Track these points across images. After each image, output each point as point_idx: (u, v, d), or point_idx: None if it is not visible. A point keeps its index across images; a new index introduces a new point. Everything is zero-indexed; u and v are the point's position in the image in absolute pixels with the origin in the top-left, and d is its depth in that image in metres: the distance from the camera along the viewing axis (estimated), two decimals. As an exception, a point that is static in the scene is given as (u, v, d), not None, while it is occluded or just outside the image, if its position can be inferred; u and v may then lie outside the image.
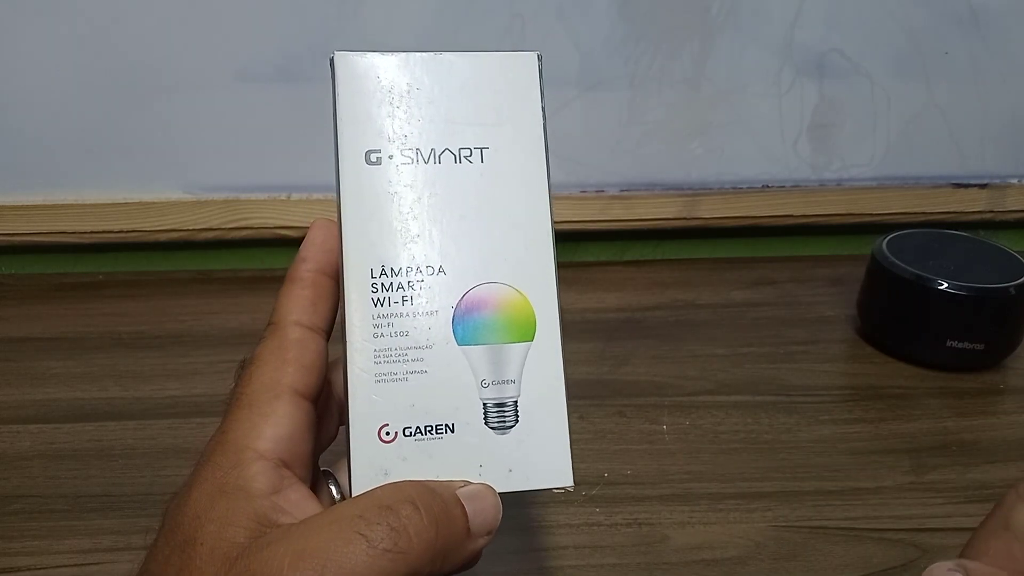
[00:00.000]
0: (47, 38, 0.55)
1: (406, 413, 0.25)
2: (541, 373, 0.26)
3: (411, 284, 0.26)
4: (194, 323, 0.54)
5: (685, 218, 0.63)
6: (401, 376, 0.25)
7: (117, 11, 0.55)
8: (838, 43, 0.60)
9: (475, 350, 0.26)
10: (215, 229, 0.60)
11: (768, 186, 0.63)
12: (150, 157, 0.59)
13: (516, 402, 0.26)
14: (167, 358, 0.50)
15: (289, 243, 0.61)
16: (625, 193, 0.62)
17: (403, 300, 0.26)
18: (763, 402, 0.47)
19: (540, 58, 0.28)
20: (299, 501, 0.24)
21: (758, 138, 0.62)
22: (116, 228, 0.59)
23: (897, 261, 0.51)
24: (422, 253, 0.26)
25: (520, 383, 0.26)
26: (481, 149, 0.27)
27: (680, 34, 0.59)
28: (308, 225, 0.26)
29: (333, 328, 0.28)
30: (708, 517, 0.39)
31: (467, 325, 0.26)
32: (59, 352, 0.51)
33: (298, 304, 0.27)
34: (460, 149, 0.27)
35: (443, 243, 0.26)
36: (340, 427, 0.29)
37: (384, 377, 0.25)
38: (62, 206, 0.59)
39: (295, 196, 0.60)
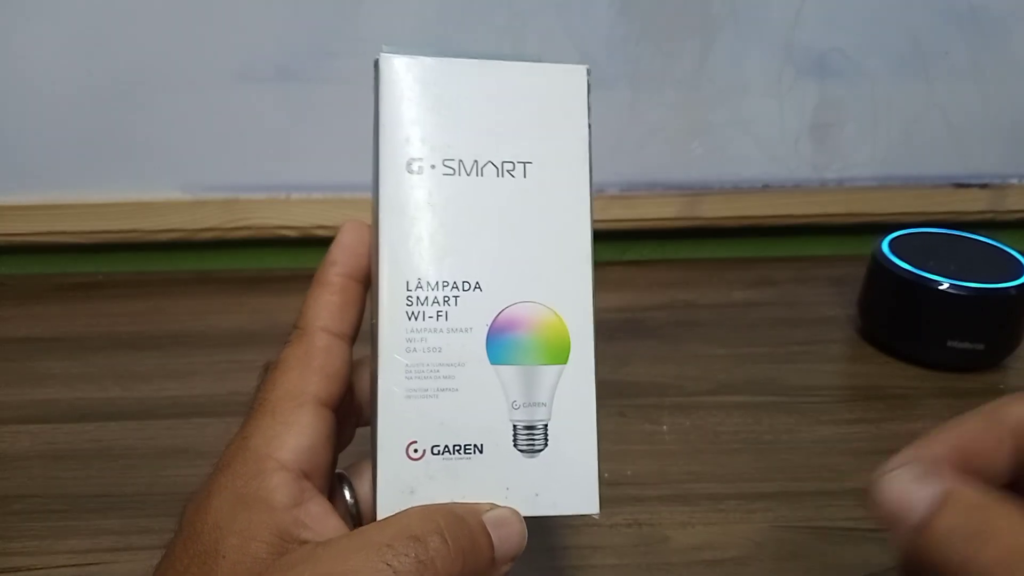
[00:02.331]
0: (47, 38, 0.55)
1: (435, 431, 0.25)
2: (573, 397, 0.26)
3: (447, 299, 0.25)
4: (194, 323, 0.54)
5: (686, 218, 0.63)
6: (432, 393, 0.25)
7: (117, 11, 0.55)
8: (838, 43, 0.60)
9: (507, 370, 0.26)
10: (215, 229, 0.60)
11: (769, 186, 0.63)
12: (150, 157, 0.59)
13: (546, 425, 0.26)
14: (167, 358, 0.50)
15: (289, 243, 0.61)
16: (626, 193, 0.62)
17: (437, 315, 0.25)
18: (764, 402, 0.47)
19: (589, 72, 0.27)
20: (320, 515, 0.24)
21: (759, 138, 0.62)
22: (116, 228, 0.59)
23: (898, 261, 0.51)
24: (459, 268, 0.25)
25: (551, 406, 0.26)
26: (524, 163, 0.26)
27: (680, 34, 0.59)
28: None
29: (358, 334, 0.27)
30: (708, 517, 0.39)
31: (500, 344, 0.26)
32: (59, 352, 0.51)
33: (326, 309, 0.27)
34: (503, 162, 0.26)
35: (481, 259, 0.26)
36: (356, 429, 0.29)
37: (414, 393, 0.25)
38: (62, 206, 0.59)
39: (295, 196, 0.60)
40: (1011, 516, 0.20)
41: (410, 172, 0.25)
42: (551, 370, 0.26)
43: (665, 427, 0.45)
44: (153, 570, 0.24)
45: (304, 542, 0.23)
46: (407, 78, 0.26)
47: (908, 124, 0.63)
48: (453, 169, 0.26)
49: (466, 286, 0.25)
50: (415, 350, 0.25)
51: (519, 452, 0.26)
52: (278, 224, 0.60)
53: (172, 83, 0.57)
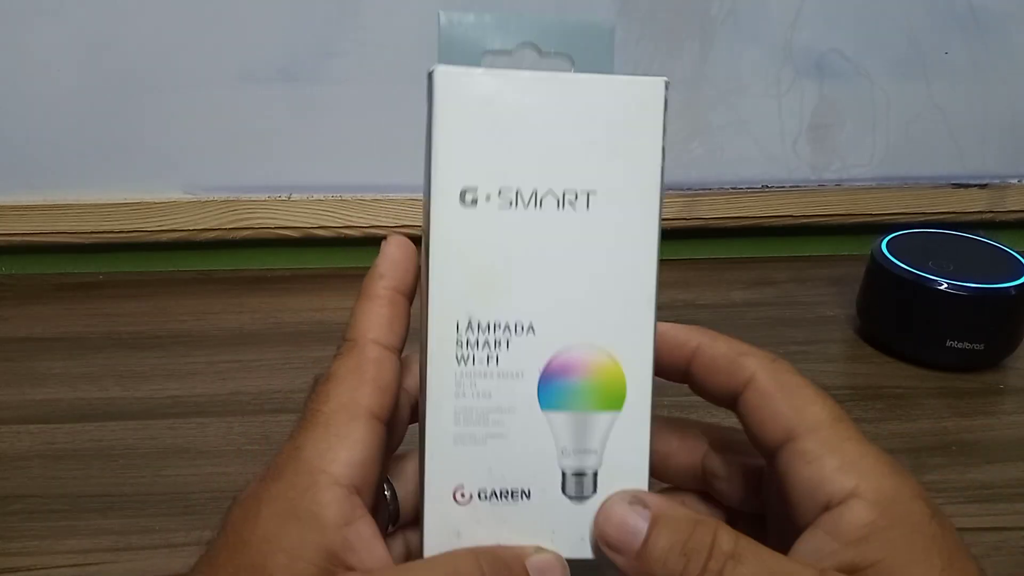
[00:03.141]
0: (48, 38, 0.55)
1: (483, 476, 0.24)
2: (625, 445, 0.25)
3: (498, 343, 0.24)
4: (194, 323, 0.54)
5: (685, 218, 0.63)
6: (480, 439, 0.24)
7: (119, 11, 0.55)
8: (838, 43, 0.60)
9: (558, 416, 0.24)
10: (215, 229, 0.60)
11: (768, 186, 0.63)
12: (150, 157, 0.59)
13: (596, 473, 0.25)
14: (167, 358, 0.50)
15: (289, 243, 0.61)
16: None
17: (488, 359, 0.24)
18: (763, 402, 0.47)
19: (668, 86, 0.24)
20: (369, 539, 0.24)
21: (758, 138, 0.62)
22: (116, 228, 0.59)
23: (897, 261, 0.51)
24: (513, 309, 0.24)
25: (602, 454, 0.25)
26: (588, 193, 0.24)
27: (680, 34, 0.59)
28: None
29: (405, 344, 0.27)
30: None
31: (553, 390, 0.24)
32: (59, 352, 0.51)
33: (376, 322, 0.26)
34: (565, 192, 0.24)
35: (535, 299, 0.24)
36: (408, 427, 0.29)
37: (463, 438, 0.24)
38: (62, 206, 0.59)
39: (295, 196, 0.60)
40: (714, 527, 0.23)
41: (463, 203, 0.23)
42: (604, 417, 0.25)
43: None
44: (192, 568, 0.24)
45: (350, 568, 0.23)
46: (464, 96, 0.23)
47: (907, 124, 0.63)
48: (510, 201, 0.23)
49: (519, 329, 0.24)
50: (464, 395, 0.24)
51: (566, 497, 0.25)
52: (279, 224, 0.60)
53: (173, 83, 0.57)
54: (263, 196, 0.60)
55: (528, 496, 0.24)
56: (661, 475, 0.29)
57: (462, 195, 0.23)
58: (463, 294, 0.23)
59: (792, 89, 0.61)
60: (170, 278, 0.61)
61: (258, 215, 0.60)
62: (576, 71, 0.25)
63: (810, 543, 0.24)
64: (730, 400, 0.27)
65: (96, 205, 0.59)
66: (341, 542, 0.23)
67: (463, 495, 0.24)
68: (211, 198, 0.59)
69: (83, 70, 0.56)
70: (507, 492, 0.24)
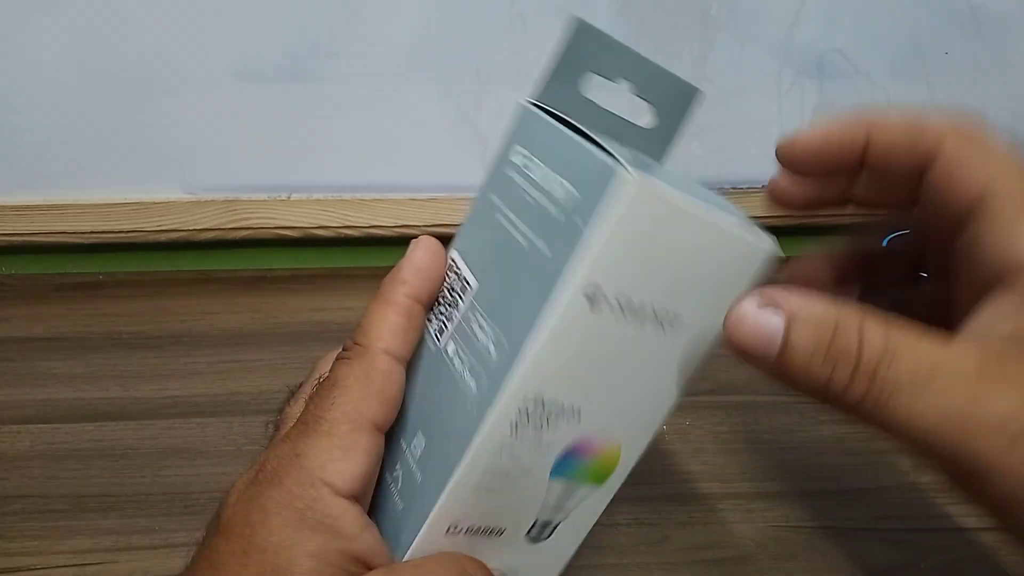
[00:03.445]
0: (47, 38, 0.55)
1: (477, 518, 0.26)
2: (588, 508, 0.28)
3: (549, 420, 0.25)
4: (194, 323, 0.54)
5: (685, 218, 0.63)
6: (494, 490, 0.25)
7: (117, 11, 0.55)
8: (838, 43, 0.60)
9: (558, 483, 0.27)
10: (215, 229, 0.60)
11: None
12: (150, 157, 0.59)
13: (559, 524, 0.28)
14: (167, 358, 0.50)
15: (289, 243, 0.61)
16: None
17: (534, 433, 0.25)
18: (763, 402, 0.47)
19: (774, 257, 0.25)
20: (378, 545, 0.25)
21: (758, 138, 0.62)
22: (116, 228, 0.59)
23: (897, 261, 0.51)
24: (575, 397, 0.25)
25: (571, 513, 0.28)
26: (676, 317, 0.25)
27: (680, 34, 0.59)
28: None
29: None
30: (708, 517, 0.39)
31: (565, 464, 0.26)
32: (59, 352, 0.51)
33: (389, 331, 0.26)
34: (663, 313, 0.24)
35: (593, 392, 0.25)
36: None
37: (480, 489, 0.25)
38: (62, 206, 0.59)
39: (295, 196, 0.60)
40: (858, 322, 0.21)
41: (587, 299, 0.23)
42: (588, 488, 0.28)
43: (665, 427, 0.45)
44: (188, 572, 0.24)
45: (372, 568, 0.24)
46: (635, 205, 0.22)
47: None
48: (623, 310, 0.23)
49: (570, 412, 0.25)
50: (500, 456, 0.25)
51: (527, 537, 0.27)
52: (278, 224, 0.60)
53: (172, 83, 0.57)
54: (262, 196, 0.60)
55: (500, 534, 0.27)
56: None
57: (590, 295, 0.22)
58: (546, 378, 0.24)
59: (792, 89, 0.61)
60: (170, 278, 0.61)
61: (258, 215, 0.60)
62: (655, 118, 0.27)
63: (986, 315, 0.21)
64: (917, 177, 0.25)
65: (96, 205, 0.59)
66: (365, 548, 0.24)
67: (455, 529, 0.25)
68: (210, 198, 0.59)
69: (83, 70, 0.56)
70: (488, 529, 0.26)
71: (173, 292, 0.59)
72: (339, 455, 0.24)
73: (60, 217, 0.59)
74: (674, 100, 0.27)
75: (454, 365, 0.25)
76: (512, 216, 0.24)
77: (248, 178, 0.60)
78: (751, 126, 0.62)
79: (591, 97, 0.27)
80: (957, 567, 0.37)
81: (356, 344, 0.26)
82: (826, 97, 0.62)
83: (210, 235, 0.60)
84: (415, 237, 0.27)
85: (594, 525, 0.29)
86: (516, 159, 0.24)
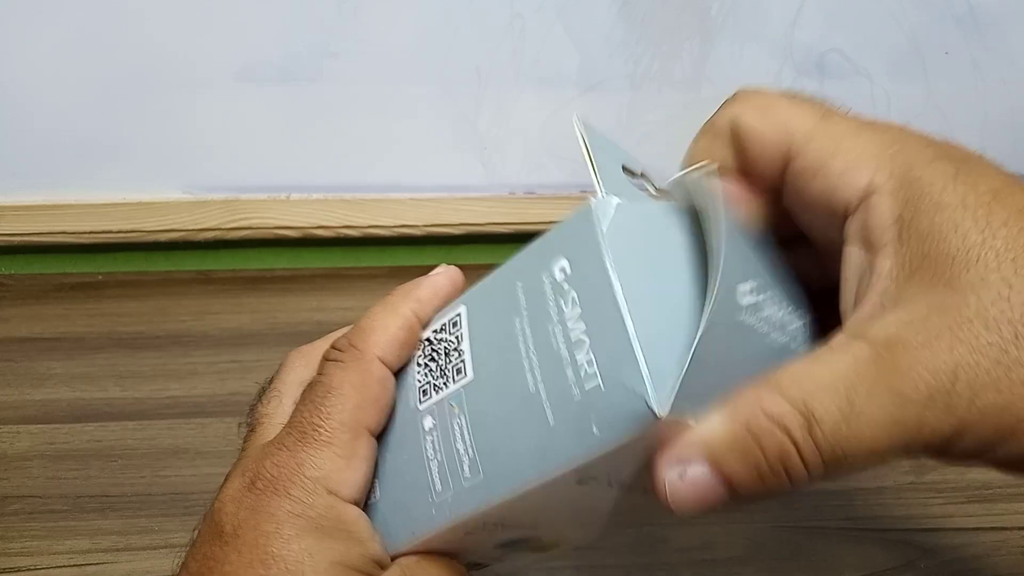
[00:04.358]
0: (47, 38, 0.55)
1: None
2: (525, 559, 0.31)
3: (502, 529, 0.25)
4: (194, 323, 0.54)
5: (685, 218, 0.63)
6: (438, 548, 0.26)
7: (117, 11, 0.55)
8: (838, 43, 0.60)
9: (500, 550, 0.27)
10: (215, 229, 0.60)
11: (768, 186, 0.63)
12: (150, 157, 0.59)
13: (490, 566, 0.29)
14: (167, 358, 0.50)
15: (289, 243, 0.61)
16: (625, 193, 0.62)
17: (488, 535, 0.25)
18: (763, 402, 0.47)
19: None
20: (384, 548, 0.25)
21: (758, 138, 0.62)
22: (116, 228, 0.59)
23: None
24: (534, 523, 0.25)
25: (503, 562, 0.28)
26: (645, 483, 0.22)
27: (680, 34, 0.59)
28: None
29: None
30: (708, 517, 0.39)
31: (512, 546, 0.26)
32: (59, 352, 0.51)
33: (389, 342, 0.26)
34: (651, 487, 0.22)
35: (554, 521, 0.25)
36: None
37: (423, 549, 0.26)
38: (62, 206, 0.59)
39: (295, 196, 0.60)
40: (763, 412, 0.19)
41: (577, 481, 0.21)
42: (528, 554, 0.28)
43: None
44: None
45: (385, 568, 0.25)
46: (651, 434, 0.19)
47: (907, 124, 0.63)
48: (612, 486, 0.22)
49: (527, 526, 0.25)
50: (450, 543, 0.25)
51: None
52: (278, 224, 0.60)
53: (172, 83, 0.57)
54: (262, 196, 0.60)
55: None
56: None
57: (581, 479, 0.21)
58: (512, 515, 0.24)
59: (792, 89, 0.61)
60: (170, 278, 0.61)
61: (257, 215, 0.60)
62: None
63: (850, 302, 0.20)
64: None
65: (96, 205, 0.59)
66: (378, 550, 0.24)
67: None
68: (210, 198, 0.59)
69: (83, 70, 0.56)
70: None
71: (173, 292, 0.59)
72: (343, 464, 0.24)
73: (60, 217, 0.59)
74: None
75: (426, 447, 0.24)
76: (531, 340, 0.22)
77: (248, 178, 0.60)
78: (751, 126, 0.62)
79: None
80: (957, 567, 0.37)
81: (352, 347, 0.26)
82: (826, 97, 0.62)
83: (210, 235, 0.60)
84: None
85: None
86: (556, 273, 0.21)
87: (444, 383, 0.25)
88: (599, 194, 0.22)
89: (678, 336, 0.20)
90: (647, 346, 0.19)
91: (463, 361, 0.24)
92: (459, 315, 0.25)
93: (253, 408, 0.28)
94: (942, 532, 0.38)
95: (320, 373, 0.26)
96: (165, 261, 0.62)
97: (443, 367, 0.25)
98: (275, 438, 0.25)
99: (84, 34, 0.55)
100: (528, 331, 0.22)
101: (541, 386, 0.21)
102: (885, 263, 0.20)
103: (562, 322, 0.21)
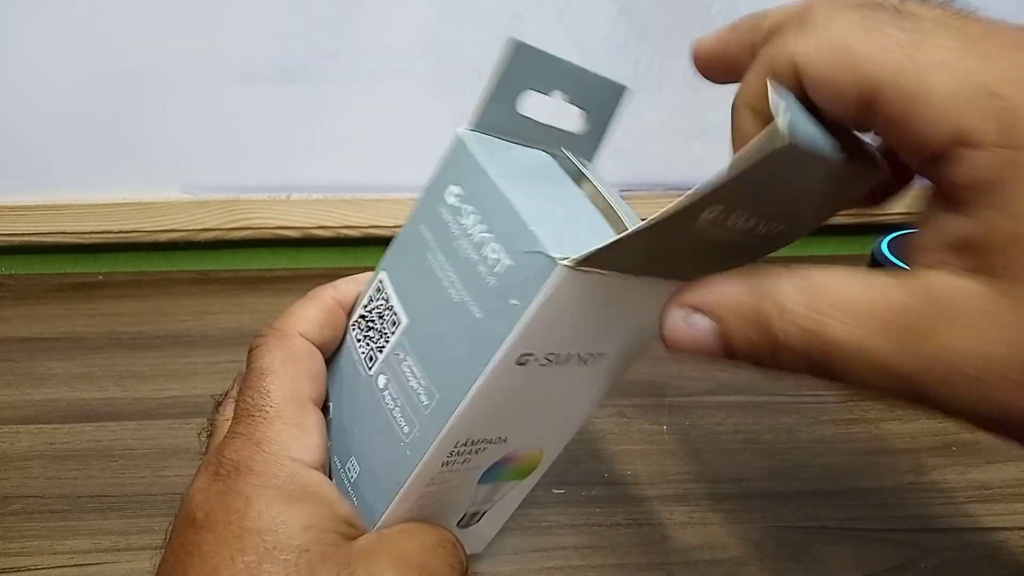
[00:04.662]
0: (48, 38, 0.55)
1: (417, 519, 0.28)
2: (513, 496, 0.31)
3: (477, 452, 0.26)
4: (194, 323, 0.54)
5: (685, 218, 0.63)
6: (426, 506, 0.27)
7: (118, 11, 0.55)
8: (838, 43, 0.60)
9: (485, 486, 0.28)
10: (215, 229, 0.60)
11: (768, 186, 0.63)
12: (150, 157, 0.59)
13: (487, 511, 0.31)
14: (167, 358, 0.50)
15: (289, 243, 0.61)
16: (625, 193, 0.62)
17: (463, 462, 0.26)
18: (763, 402, 0.47)
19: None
20: (354, 510, 0.26)
21: (758, 138, 0.62)
22: (116, 228, 0.59)
23: (897, 261, 0.51)
24: (502, 430, 0.26)
25: (497, 503, 0.31)
26: (598, 355, 0.25)
27: (680, 34, 0.59)
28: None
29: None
30: (708, 517, 0.39)
31: (492, 472, 0.28)
32: (59, 352, 0.51)
33: (306, 320, 0.27)
34: (586, 355, 0.25)
35: (520, 422, 0.26)
36: None
37: (413, 510, 0.26)
38: (62, 206, 0.59)
39: (295, 196, 0.60)
40: (773, 287, 0.19)
41: (517, 364, 0.23)
42: (513, 483, 0.30)
43: (665, 427, 0.45)
44: (166, 569, 0.24)
45: (361, 531, 0.25)
46: (573, 292, 0.22)
47: None
48: (551, 360, 0.24)
49: (497, 440, 0.26)
50: (433, 484, 0.26)
51: (456, 527, 0.29)
52: (278, 224, 0.60)
53: (172, 83, 0.57)
54: (262, 196, 0.60)
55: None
56: None
57: (520, 358, 0.23)
58: (476, 425, 0.24)
59: None
60: (169, 278, 0.61)
61: (257, 215, 0.60)
62: (587, 122, 0.28)
63: (926, 226, 0.19)
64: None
65: (96, 205, 0.59)
66: (347, 511, 0.25)
67: None
68: (210, 198, 0.59)
69: (83, 70, 0.56)
70: None
71: (173, 292, 0.59)
72: (297, 433, 0.25)
73: (60, 217, 0.59)
74: (604, 101, 0.28)
75: (385, 401, 0.26)
76: (444, 262, 0.24)
77: (248, 178, 0.60)
78: (751, 126, 0.62)
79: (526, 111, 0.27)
80: (957, 567, 0.37)
81: (274, 329, 0.27)
82: None
83: (210, 235, 0.60)
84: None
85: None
86: (449, 199, 0.24)
87: (385, 340, 0.26)
88: (462, 127, 0.25)
89: (563, 212, 0.24)
90: (534, 216, 0.22)
91: (395, 313, 0.26)
92: (381, 280, 0.27)
93: (211, 418, 0.29)
94: (942, 532, 0.39)
95: (249, 361, 0.27)
96: (165, 261, 0.62)
97: (380, 329, 0.27)
98: (227, 430, 0.26)
99: (84, 34, 0.55)
100: (440, 256, 0.24)
101: (463, 293, 0.23)
102: (966, 227, 0.17)
103: (465, 234, 0.23)
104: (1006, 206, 0.16)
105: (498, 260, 0.22)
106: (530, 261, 0.22)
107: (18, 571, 0.36)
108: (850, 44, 0.18)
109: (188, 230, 0.60)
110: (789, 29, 0.20)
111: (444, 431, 0.24)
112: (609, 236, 0.20)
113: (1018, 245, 0.16)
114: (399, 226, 0.27)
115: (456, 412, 0.24)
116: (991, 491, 0.41)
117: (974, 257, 0.17)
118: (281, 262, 0.63)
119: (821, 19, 0.19)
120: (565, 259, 0.21)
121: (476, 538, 0.32)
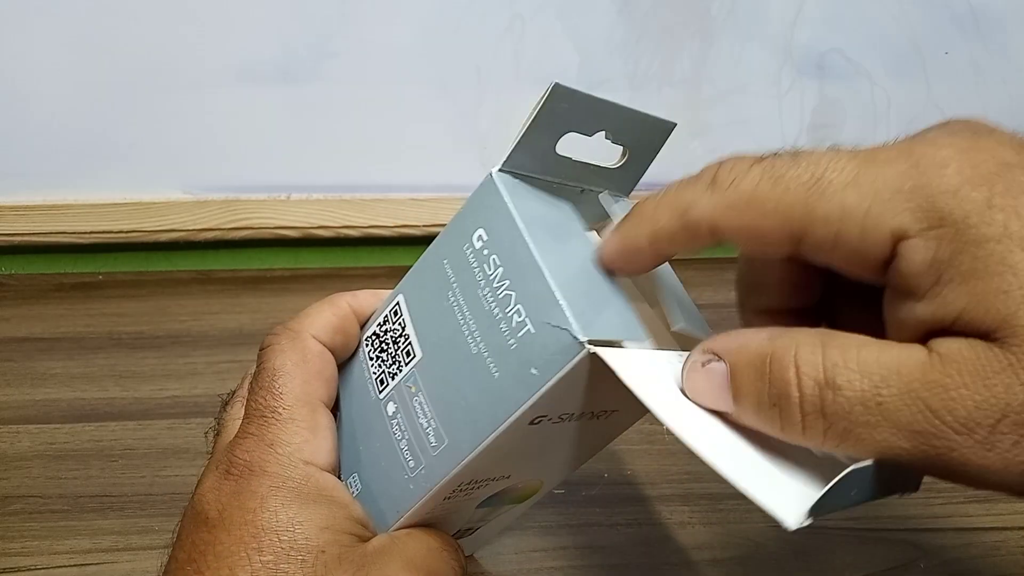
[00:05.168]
0: (47, 38, 0.55)
1: None
2: (509, 515, 0.31)
3: (480, 486, 0.26)
4: (194, 323, 0.54)
5: (685, 218, 0.63)
6: (427, 521, 0.27)
7: (117, 11, 0.55)
8: (838, 43, 0.60)
9: (483, 509, 0.28)
10: (215, 229, 0.60)
11: (768, 186, 0.63)
12: (150, 157, 0.59)
13: (481, 527, 0.31)
14: (167, 358, 0.50)
15: (289, 243, 0.61)
16: (625, 193, 0.62)
17: (466, 495, 0.26)
18: (763, 402, 0.47)
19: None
20: (366, 513, 0.26)
21: (758, 138, 0.62)
22: (116, 228, 0.59)
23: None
24: (506, 470, 0.26)
25: (492, 521, 0.31)
26: (610, 412, 0.25)
27: (680, 34, 0.59)
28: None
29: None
30: (708, 517, 0.39)
31: (493, 500, 0.28)
32: (59, 352, 0.51)
33: (321, 324, 0.27)
34: (599, 411, 0.25)
35: (524, 464, 0.26)
36: None
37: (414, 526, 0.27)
38: (62, 206, 0.59)
39: (295, 196, 0.60)
40: (793, 353, 0.19)
41: (531, 425, 0.23)
42: (510, 507, 0.30)
43: (665, 427, 0.45)
44: (174, 568, 0.24)
45: (373, 534, 0.25)
46: (594, 368, 0.21)
47: (908, 124, 0.63)
48: (563, 420, 0.24)
49: (501, 478, 0.26)
50: (432, 513, 0.26)
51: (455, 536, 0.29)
52: (278, 224, 0.60)
53: (172, 83, 0.57)
54: (262, 196, 0.60)
55: None
56: None
57: (534, 420, 0.23)
58: (482, 469, 0.25)
59: (792, 89, 0.61)
60: (169, 278, 0.61)
61: (257, 215, 0.60)
62: (627, 157, 0.27)
63: (892, 308, 0.20)
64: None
65: (96, 205, 0.59)
66: (360, 513, 0.25)
67: None
68: (210, 198, 0.59)
69: (83, 70, 0.56)
70: None
71: (173, 292, 0.59)
72: (309, 435, 0.25)
73: (60, 217, 0.59)
74: (649, 139, 0.27)
75: (393, 430, 0.26)
76: (465, 308, 0.24)
77: (248, 178, 0.60)
78: (751, 126, 0.62)
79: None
80: (957, 567, 0.37)
81: (287, 329, 0.27)
82: (826, 97, 0.62)
83: (210, 235, 0.60)
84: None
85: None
86: (476, 242, 0.24)
87: (398, 368, 0.26)
88: (497, 167, 0.24)
89: (587, 279, 0.23)
90: (562, 284, 0.21)
91: (411, 344, 0.26)
92: (399, 304, 0.27)
93: (219, 416, 0.29)
94: (942, 532, 0.38)
95: (261, 360, 0.27)
96: (165, 261, 0.62)
97: (394, 354, 0.26)
98: (238, 430, 0.26)
99: (84, 34, 0.55)
100: (462, 300, 0.24)
101: (482, 346, 0.23)
102: (927, 308, 0.18)
103: (488, 284, 0.23)
104: (966, 276, 0.18)
105: (523, 325, 0.22)
106: (555, 336, 0.21)
107: (18, 571, 0.36)
108: (761, 193, 0.20)
109: (188, 230, 0.60)
110: (699, 190, 0.21)
111: (449, 475, 0.24)
112: (628, 307, 0.21)
113: (1004, 302, 0.17)
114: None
115: (464, 462, 0.24)
116: (991, 491, 0.41)
117: (964, 328, 0.18)
118: (281, 262, 0.63)
119: (727, 179, 0.21)
120: (591, 341, 0.21)
121: (470, 543, 0.32)
